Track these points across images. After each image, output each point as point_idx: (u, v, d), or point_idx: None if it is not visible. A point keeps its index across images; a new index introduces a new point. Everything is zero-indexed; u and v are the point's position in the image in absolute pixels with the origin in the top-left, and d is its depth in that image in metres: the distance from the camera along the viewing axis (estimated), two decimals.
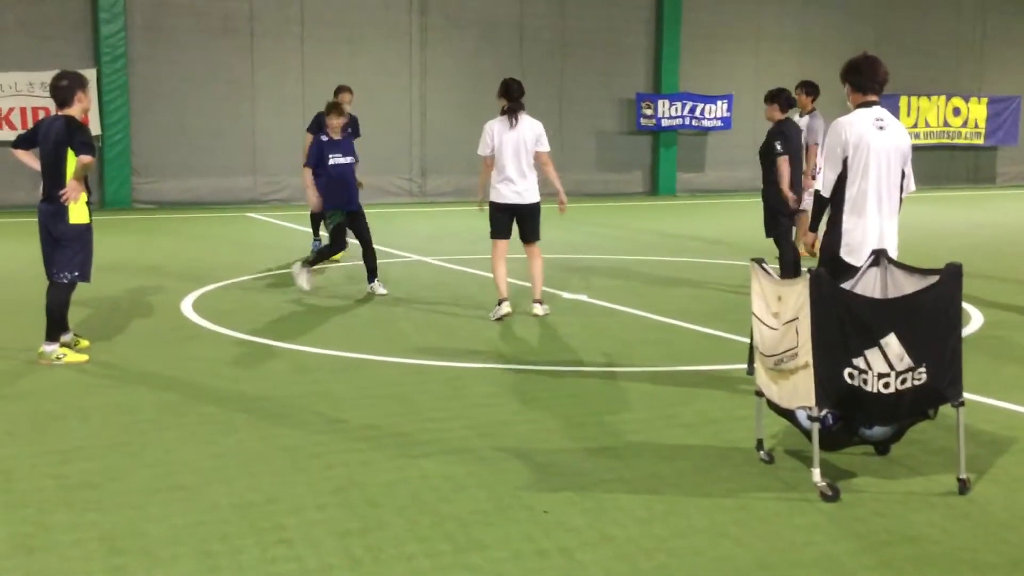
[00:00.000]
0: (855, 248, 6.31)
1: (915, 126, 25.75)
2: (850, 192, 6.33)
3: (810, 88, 13.23)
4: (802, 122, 13.11)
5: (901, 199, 6.44)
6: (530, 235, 9.51)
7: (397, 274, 12.05)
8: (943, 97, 26.24)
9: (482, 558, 4.37)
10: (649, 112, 23.33)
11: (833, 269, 6.18)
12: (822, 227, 6.62)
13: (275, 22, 20.50)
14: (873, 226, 6.32)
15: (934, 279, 5.20)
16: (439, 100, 21.79)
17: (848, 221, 6.37)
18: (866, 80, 6.34)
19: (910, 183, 6.47)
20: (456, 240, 14.97)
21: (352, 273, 12.10)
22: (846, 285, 5.45)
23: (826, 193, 6.43)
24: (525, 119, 9.45)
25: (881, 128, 6.26)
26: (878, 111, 6.33)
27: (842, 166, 6.30)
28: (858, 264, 6.12)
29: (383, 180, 21.42)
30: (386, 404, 6.66)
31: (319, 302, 10.26)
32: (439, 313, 9.70)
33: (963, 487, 5.10)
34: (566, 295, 10.59)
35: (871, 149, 6.25)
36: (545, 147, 9.50)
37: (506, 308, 9.34)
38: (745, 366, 7.13)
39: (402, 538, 4.56)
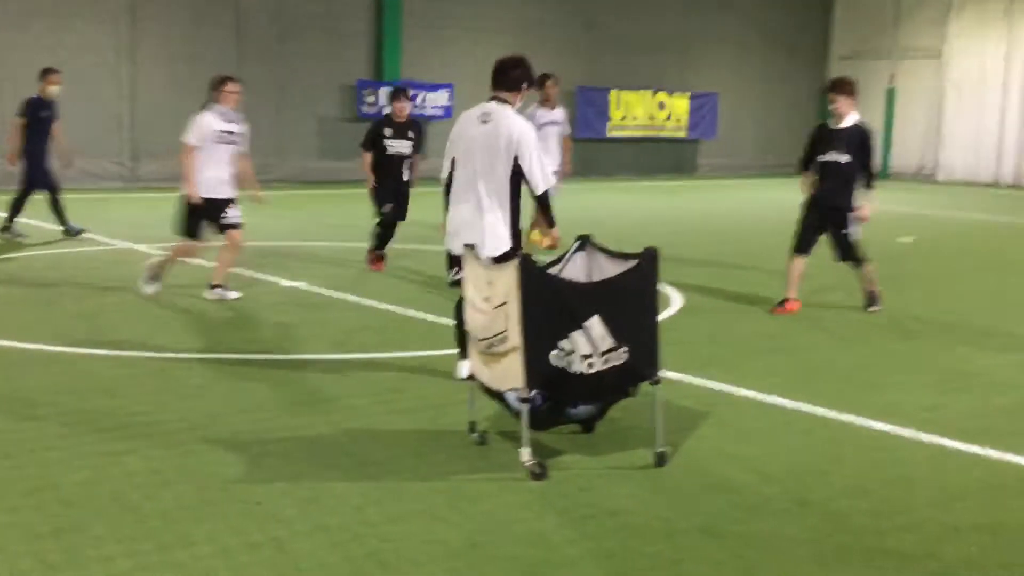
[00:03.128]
0: (450, 235, 6.71)
1: (624, 119, 26.96)
2: (454, 182, 6.72)
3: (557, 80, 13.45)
4: (556, 114, 13.23)
5: (537, 197, 6.63)
6: None
7: (106, 262, 11.47)
8: (650, 91, 27.61)
9: (188, 555, 4.22)
10: (371, 99, 23.25)
11: (448, 256, 6.75)
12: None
13: None
14: (461, 215, 6.64)
15: (634, 263, 5.46)
16: (151, 82, 20.86)
17: (450, 209, 6.75)
18: (497, 79, 6.70)
19: (532, 177, 6.47)
20: (168, 226, 14.39)
21: (57, 261, 11.42)
22: (554, 269, 5.63)
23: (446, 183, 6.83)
24: None
25: (484, 122, 6.58)
26: (488, 106, 6.64)
27: (452, 157, 6.73)
28: (453, 251, 6.63)
29: (92, 164, 20.29)
30: (88, 398, 6.32)
31: (17, 292, 9.61)
32: (149, 303, 9.29)
33: (660, 460, 5.39)
34: (284, 282, 10.41)
35: (468, 141, 6.62)
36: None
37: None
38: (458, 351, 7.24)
39: (102, 539, 4.33)
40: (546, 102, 13.14)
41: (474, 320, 5.56)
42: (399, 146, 11.64)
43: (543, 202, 6.63)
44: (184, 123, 9.41)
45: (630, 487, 5.09)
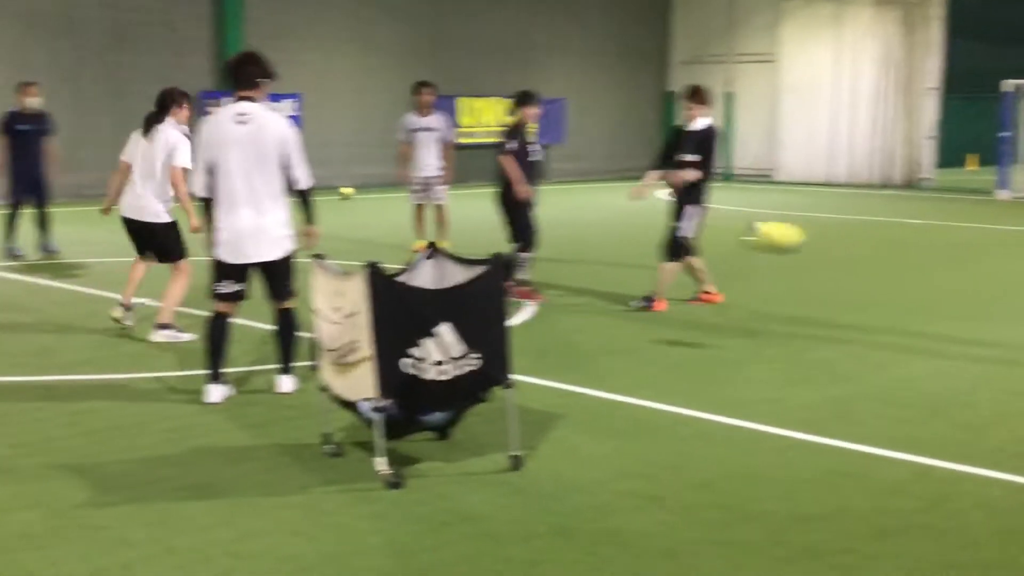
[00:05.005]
0: (226, 244, 6.53)
1: (472, 125, 27.10)
2: (221, 189, 6.51)
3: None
4: (429, 121, 13.29)
5: (301, 193, 6.62)
6: None
7: None
8: (497, 98, 27.82)
9: None
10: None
11: (218, 267, 6.56)
12: None
13: None
14: (242, 221, 6.48)
15: (482, 269, 5.49)
16: None
17: (221, 218, 6.54)
18: (234, 79, 6.61)
19: (299, 175, 6.56)
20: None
21: None
22: (403, 277, 5.62)
23: (203, 193, 6.58)
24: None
25: (243, 123, 6.46)
26: (243, 106, 6.52)
27: (210, 164, 6.50)
28: (232, 261, 6.50)
29: None
30: None
31: None
32: None
33: (515, 463, 5.43)
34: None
35: (229, 144, 6.45)
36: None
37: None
38: (310, 362, 7.14)
39: None
40: (419, 108, 13.31)
41: (324, 331, 5.50)
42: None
43: (307, 198, 6.63)
44: None
45: (486, 492, 5.11)
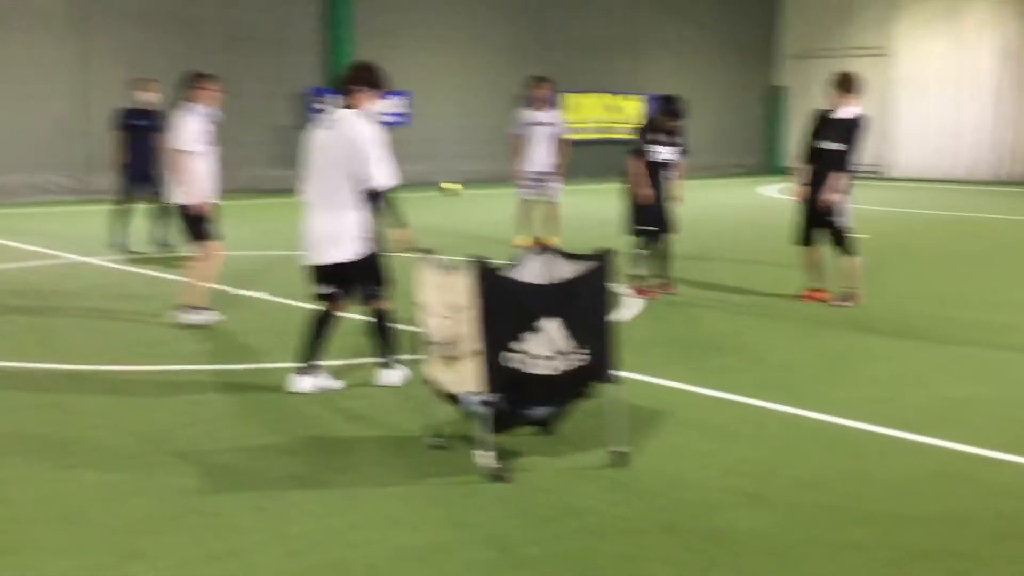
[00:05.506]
0: (308, 246, 6.65)
1: (578, 121, 27.07)
2: (307, 192, 6.68)
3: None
4: (545, 116, 13.40)
5: (378, 195, 6.50)
6: None
7: (58, 275, 11.34)
8: (602, 94, 27.75)
9: (146, 567, 4.18)
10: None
11: (309, 268, 6.68)
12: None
13: None
14: (316, 225, 6.59)
15: (590, 264, 5.48)
16: (103, 94, 20.61)
17: (306, 220, 6.68)
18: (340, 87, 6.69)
19: (376, 178, 6.41)
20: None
21: (8, 276, 11.27)
22: (511, 272, 5.64)
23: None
24: None
25: (328, 128, 6.57)
26: (337, 112, 6.59)
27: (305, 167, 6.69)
28: (314, 263, 6.59)
29: (43, 178, 20.10)
30: (41, 413, 6.24)
31: None
32: (101, 316, 9.20)
33: (620, 459, 5.41)
34: (244, 292, 10.33)
35: (313, 149, 6.61)
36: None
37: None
38: (415, 356, 7.22)
39: (56, 554, 4.28)
40: (536, 104, 13.38)
41: (432, 325, 5.55)
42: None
43: (384, 201, 6.52)
44: None
45: (591, 487, 5.10)
